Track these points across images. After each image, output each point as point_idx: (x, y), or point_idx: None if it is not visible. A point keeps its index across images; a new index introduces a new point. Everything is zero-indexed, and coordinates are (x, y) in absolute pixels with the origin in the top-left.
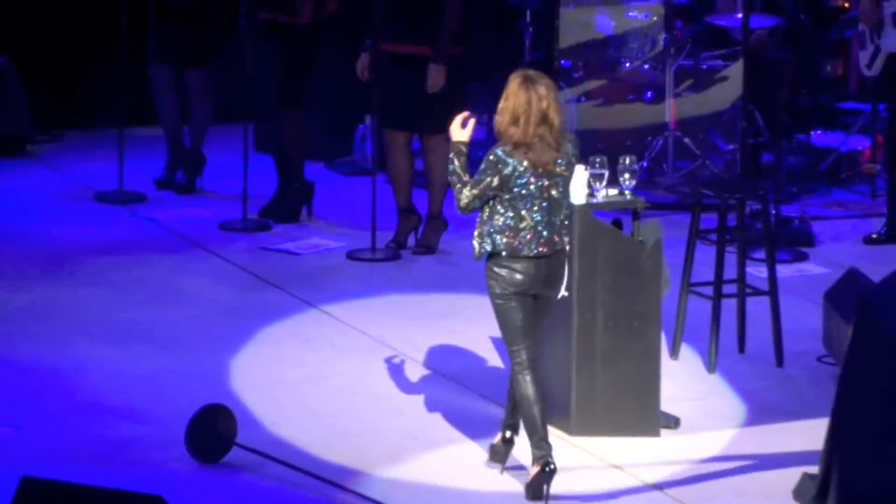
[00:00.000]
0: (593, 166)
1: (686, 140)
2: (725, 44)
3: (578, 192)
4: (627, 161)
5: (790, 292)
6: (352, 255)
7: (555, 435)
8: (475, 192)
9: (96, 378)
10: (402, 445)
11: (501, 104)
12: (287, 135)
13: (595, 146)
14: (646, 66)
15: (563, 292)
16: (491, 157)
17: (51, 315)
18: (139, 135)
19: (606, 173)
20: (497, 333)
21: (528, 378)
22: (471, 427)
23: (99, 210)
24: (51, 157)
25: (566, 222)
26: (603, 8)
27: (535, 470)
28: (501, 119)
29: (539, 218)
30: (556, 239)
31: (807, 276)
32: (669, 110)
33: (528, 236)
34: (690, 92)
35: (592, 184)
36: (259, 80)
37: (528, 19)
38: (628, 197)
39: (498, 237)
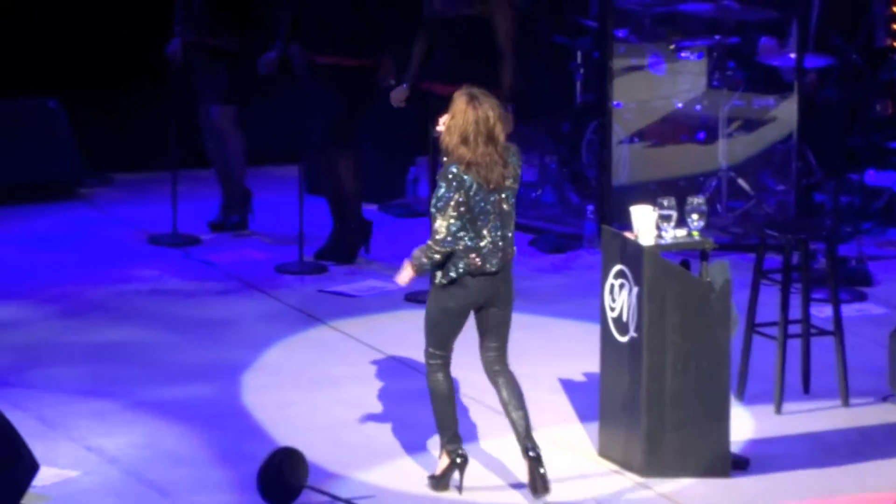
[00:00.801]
0: (661, 207)
1: (739, 180)
2: (777, 84)
3: (647, 233)
4: (696, 202)
5: (852, 332)
6: (410, 297)
7: (626, 476)
8: (447, 214)
9: (156, 419)
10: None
11: (448, 122)
12: (343, 176)
13: (647, 187)
14: (698, 107)
15: None
16: (449, 176)
17: (112, 357)
18: (190, 176)
19: (675, 214)
20: (561, 373)
21: (441, 376)
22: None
23: (153, 252)
24: (101, 200)
25: (513, 233)
26: (654, 49)
27: (446, 462)
28: (450, 139)
29: (496, 233)
30: (509, 250)
31: (867, 316)
32: (722, 150)
33: (489, 254)
34: (743, 132)
35: (660, 225)
36: (310, 122)
37: (578, 60)
38: (696, 238)
39: (461, 262)
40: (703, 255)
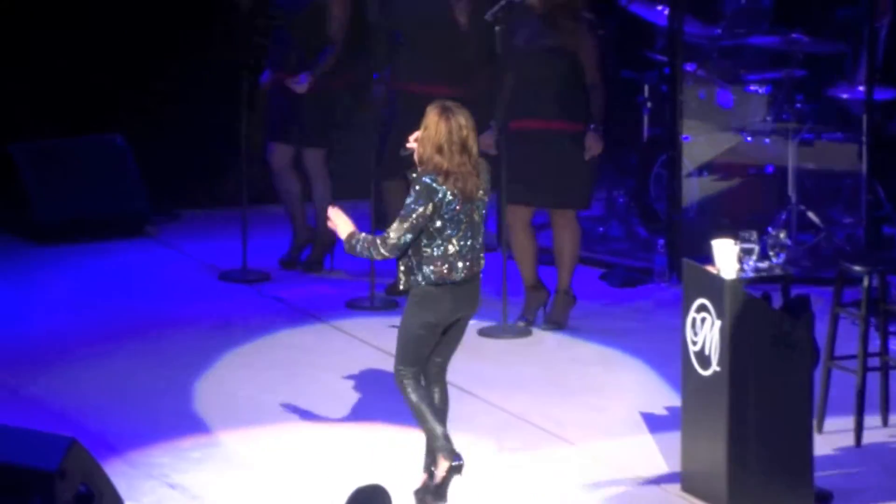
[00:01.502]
0: (743, 240)
1: (809, 213)
2: (846, 117)
3: (729, 266)
4: (780, 235)
5: None
6: (483, 332)
7: None
8: (405, 225)
9: (237, 455)
10: None
11: (422, 134)
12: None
13: (717, 220)
14: (766, 140)
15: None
16: (420, 187)
17: (189, 393)
18: (256, 212)
19: (756, 248)
20: (639, 407)
21: (415, 389)
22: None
23: (224, 289)
24: (169, 236)
25: (482, 244)
26: (722, 82)
27: (444, 467)
28: (423, 150)
29: (464, 243)
30: (478, 261)
31: None
32: (791, 183)
33: (457, 262)
34: (811, 165)
35: (742, 258)
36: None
37: (645, 94)
38: (778, 271)
39: (427, 268)
40: (785, 289)
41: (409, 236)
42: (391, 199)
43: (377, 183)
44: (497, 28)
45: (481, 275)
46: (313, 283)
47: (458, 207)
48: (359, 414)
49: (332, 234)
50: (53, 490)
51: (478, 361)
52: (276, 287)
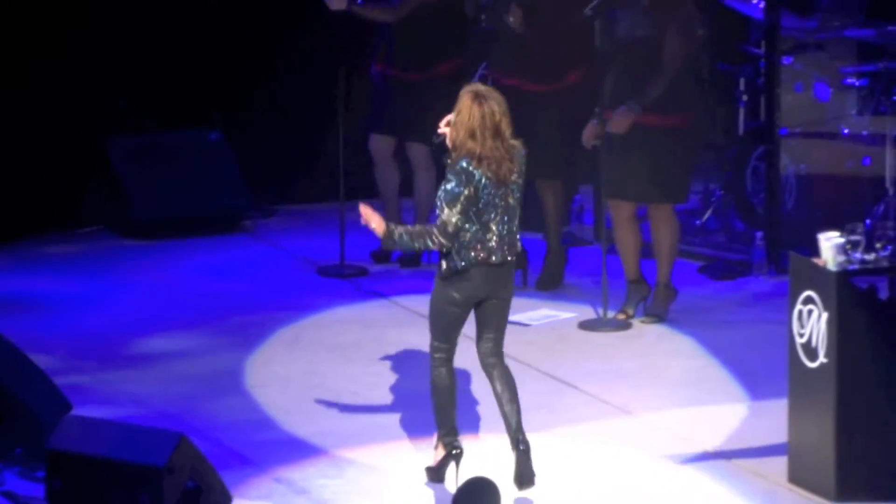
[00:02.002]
0: (849, 233)
1: None
2: None
3: (835, 258)
4: (887, 225)
5: None
6: (583, 326)
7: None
8: (456, 209)
9: (340, 448)
10: None
11: (455, 119)
12: (547, 203)
13: (814, 213)
14: (864, 132)
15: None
16: (459, 170)
17: (292, 387)
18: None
19: (862, 240)
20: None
21: (445, 371)
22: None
23: (322, 284)
24: (266, 232)
25: (517, 227)
26: (819, 74)
27: (442, 454)
28: (457, 135)
29: (502, 227)
30: (514, 243)
31: None
32: (889, 176)
33: (494, 245)
34: None
35: (849, 250)
36: None
37: (741, 87)
38: (885, 263)
39: (468, 252)
40: (892, 280)
41: (462, 218)
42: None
43: None
44: (596, 22)
45: (526, 258)
46: (410, 278)
47: (492, 191)
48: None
49: None
50: (162, 486)
51: (579, 354)
52: (373, 282)
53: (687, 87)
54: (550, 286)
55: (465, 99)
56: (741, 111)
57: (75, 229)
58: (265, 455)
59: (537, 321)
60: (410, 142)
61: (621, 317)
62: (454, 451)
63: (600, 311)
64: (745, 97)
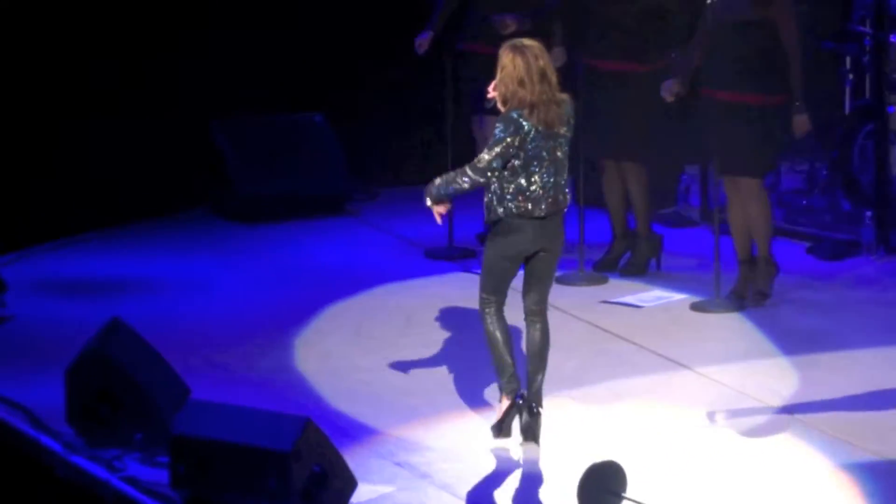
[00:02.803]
0: None
1: None
2: None
3: None
4: None
5: None
6: (695, 307)
7: None
8: (495, 150)
9: (459, 432)
10: None
11: (501, 74)
12: (634, 189)
13: None
14: None
15: None
16: (508, 119)
17: (403, 374)
18: None
19: None
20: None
21: (495, 319)
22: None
23: (431, 266)
24: (371, 215)
25: (566, 181)
26: None
27: (506, 404)
28: (506, 87)
29: (547, 179)
30: (561, 198)
31: None
32: None
33: (540, 198)
34: None
35: None
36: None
37: (847, 66)
38: None
39: (510, 203)
40: None
41: (498, 161)
42: (604, 175)
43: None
44: (709, 1)
45: (565, 211)
46: None
47: (541, 143)
48: (582, 389)
49: None
50: (288, 470)
51: (691, 335)
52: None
53: (785, 67)
54: (637, 272)
55: (506, 53)
56: (847, 90)
57: (181, 211)
58: (384, 440)
59: (649, 303)
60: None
61: (732, 297)
62: (519, 401)
63: (712, 292)
64: (850, 76)
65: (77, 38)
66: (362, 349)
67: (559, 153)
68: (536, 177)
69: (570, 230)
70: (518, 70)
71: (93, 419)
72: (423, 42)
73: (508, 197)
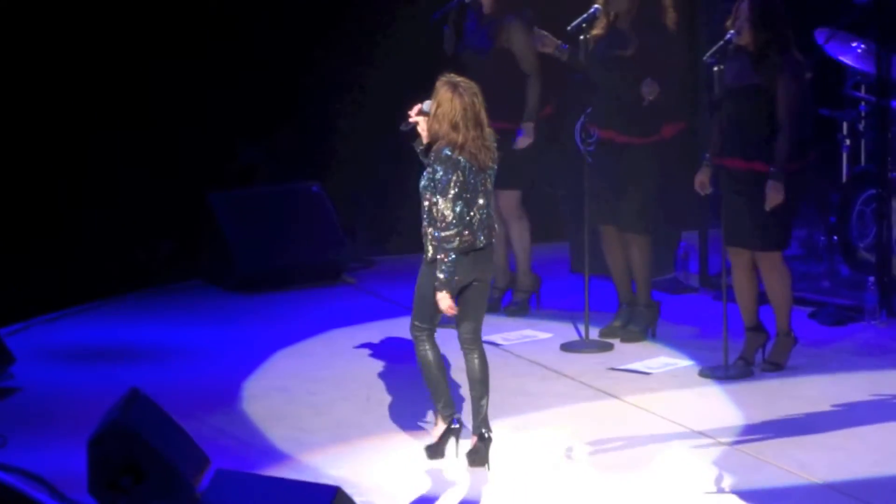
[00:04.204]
0: None
1: None
2: None
3: None
4: None
5: None
6: (703, 374)
7: None
8: (450, 195)
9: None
10: None
11: (435, 111)
12: (637, 259)
13: None
14: None
15: None
16: (445, 160)
17: (417, 438)
18: None
19: None
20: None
21: (429, 346)
22: None
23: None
24: (368, 283)
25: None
26: None
27: (442, 428)
28: (439, 126)
29: (483, 211)
30: (496, 227)
31: None
32: None
33: (478, 230)
34: None
35: None
36: (593, 199)
37: (844, 132)
38: None
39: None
40: None
41: (459, 203)
42: (606, 242)
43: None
44: (715, 69)
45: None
46: (521, 327)
47: (475, 176)
48: (599, 455)
49: (537, 278)
50: None
51: (702, 401)
52: (485, 331)
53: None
54: (640, 339)
55: (443, 91)
56: (844, 155)
57: (179, 282)
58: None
59: (657, 369)
60: (500, 190)
61: (740, 364)
62: (453, 426)
63: (718, 359)
64: (847, 141)
65: (77, 107)
66: (368, 415)
67: (489, 184)
68: (475, 209)
69: (565, 300)
70: (454, 113)
71: (116, 490)
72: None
73: (460, 229)
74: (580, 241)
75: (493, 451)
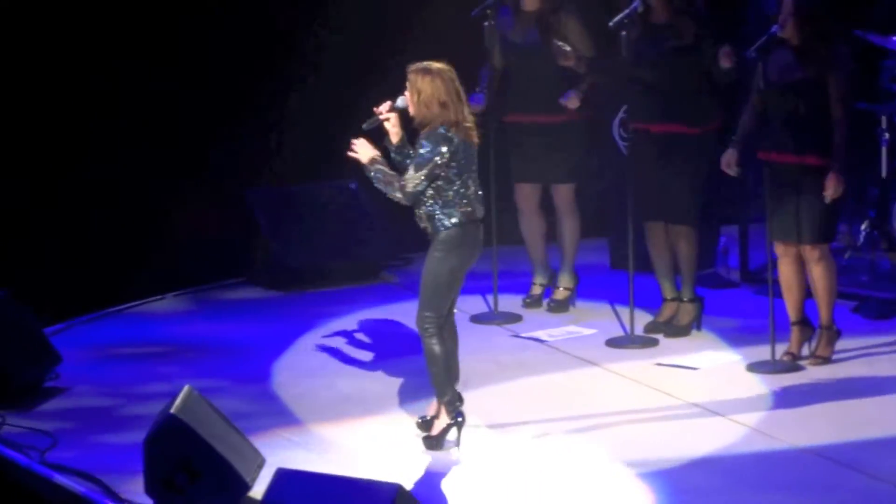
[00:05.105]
0: None
1: None
2: None
3: None
4: None
5: None
6: (751, 368)
7: None
8: (422, 173)
9: None
10: None
11: (417, 98)
12: (684, 252)
13: None
14: None
15: None
16: (438, 136)
17: (470, 435)
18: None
19: None
20: None
21: (439, 338)
22: None
23: (478, 331)
24: (407, 280)
25: None
26: None
27: (445, 422)
28: (427, 109)
29: (475, 185)
30: (482, 207)
31: None
32: None
33: (475, 200)
34: None
35: None
36: (636, 192)
37: (883, 126)
38: None
39: (455, 210)
40: None
41: (424, 183)
42: (651, 237)
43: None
44: (759, 63)
45: None
46: (564, 323)
47: (467, 151)
48: (645, 451)
49: (575, 275)
50: None
51: (752, 396)
52: (528, 328)
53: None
54: (685, 334)
55: (420, 77)
56: (883, 149)
57: (220, 280)
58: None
59: (704, 364)
60: (555, 184)
61: (786, 358)
62: (459, 419)
63: (762, 353)
64: (886, 135)
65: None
66: (417, 411)
67: (475, 166)
68: (471, 182)
69: (604, 295)
70: (438, 93)
71: (172, 489)
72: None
73: (450, 205)
74: (621, 236)
75: (551, 450)
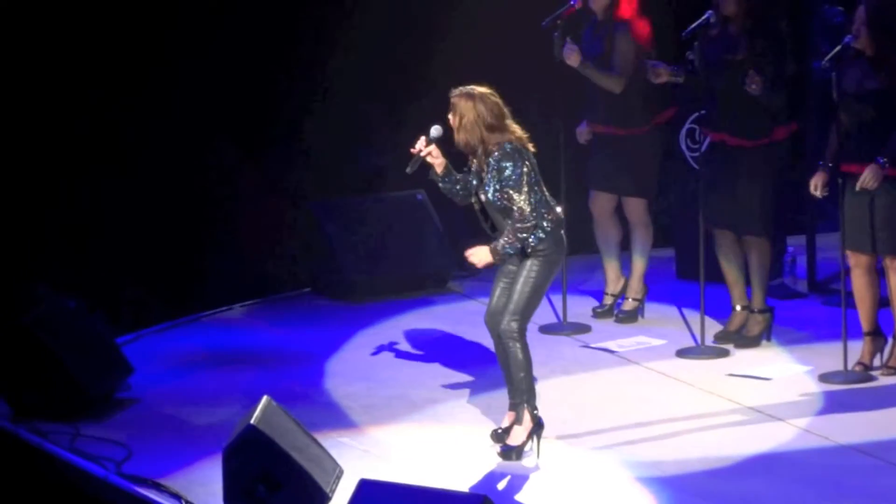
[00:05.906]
0: None
1: None
2: None
3: None
4: None
5: None
6: (824, 378)
7: None
8: (525, 189)
9: None
10: None
11: (459, 123)
12: (757, 262)
13: None
14: None
15: None
16: (513, 152)
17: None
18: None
19: None
20: None
21: (524, 345)
22: None
23: (547, 341)
24: (475, 291)
25: None
26: None
27: (529, 426)
28: (470, 135)
29: (547, 191)
30: None
31: None
32: None
33: (555, 204)
34: None
35: None
36: (706, 204)
37: None
38: None
39: (544, 221)
40: None
41: (534, 195)
42: (721, 246)
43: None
44: (833, 73)
45: None
46: (634, 333)
47: (535, 162)
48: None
49: (645, 286)
50: None
51: (826, 407)
52: (597, 338)
53: None
54: (755, 344)
55: (463, 101)
56: None
57: (287, 291)
58: None
59: (776, 375)
60: (627, 197)
61: (858, 369)
62: (541, 423)
63: (834, 364)
64: None
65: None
66: (491, 421)
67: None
68: (544, 188)
69: (672, 305)
70: (482, 117)
71: (252, 500)
72: (582, 132)
73: (543, 212)
74: (689, 247)
75: (623, 460)
